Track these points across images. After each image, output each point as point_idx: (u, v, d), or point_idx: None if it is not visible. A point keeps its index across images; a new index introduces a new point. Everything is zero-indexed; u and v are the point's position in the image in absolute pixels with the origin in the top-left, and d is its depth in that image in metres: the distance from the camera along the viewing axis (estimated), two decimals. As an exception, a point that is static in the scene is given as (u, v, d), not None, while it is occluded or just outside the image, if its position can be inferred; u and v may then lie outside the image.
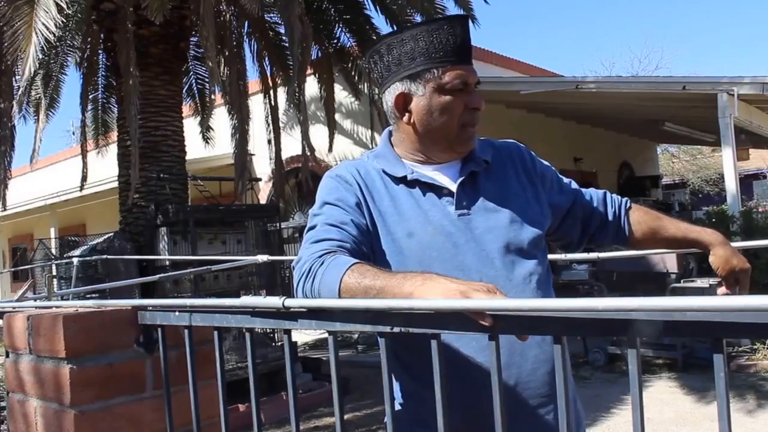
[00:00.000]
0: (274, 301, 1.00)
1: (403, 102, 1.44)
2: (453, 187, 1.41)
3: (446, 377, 0.90)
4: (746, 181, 18.92)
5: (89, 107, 8.85)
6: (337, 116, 9.05)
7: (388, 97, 1.46)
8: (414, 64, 1.40)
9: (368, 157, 1.51)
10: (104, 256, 5.76)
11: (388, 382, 0.95)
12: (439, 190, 1.42)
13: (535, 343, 1.32)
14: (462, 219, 1.38)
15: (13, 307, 1.61)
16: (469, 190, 1.42)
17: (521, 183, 1.48)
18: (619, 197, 1.66)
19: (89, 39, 8.02)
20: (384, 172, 1.44)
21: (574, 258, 2.57)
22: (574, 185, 1.62)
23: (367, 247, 1.36)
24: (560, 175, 1.61)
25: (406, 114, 1.44)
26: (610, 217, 1.61)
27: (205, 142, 9.14)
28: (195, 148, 8.67)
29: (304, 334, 9.35)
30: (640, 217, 1.61)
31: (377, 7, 8.06)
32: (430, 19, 1.62)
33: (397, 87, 1.43)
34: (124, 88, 6.37)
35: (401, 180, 1.43)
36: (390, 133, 1.53)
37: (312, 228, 1.38)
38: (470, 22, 1.47)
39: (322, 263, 1.24)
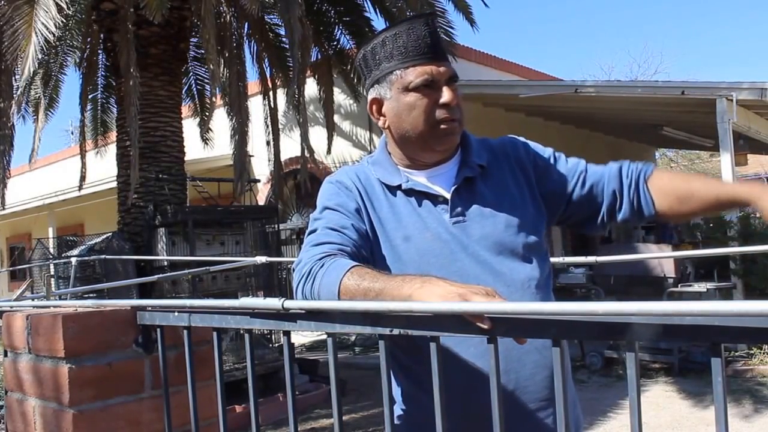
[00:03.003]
0: (274, 303, 1.01)
1: (377, 107, 1.45)
2: (447, 194, 1.41)
3: (444, 381, 0.90)
4: (744, 186, 18.93)
5: (88, 107, 8.86)
6: (336, 118, 9.06)
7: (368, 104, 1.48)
8: (380, 68, 1.41)
9: (367, 163, 1.51)
10: (102, 256, 5.76)
11: (387, 383, 0.95)
12: (435, 198, 1.41)
13: (534, 349, 1.32)
14: (457, 226, 1.38)
15: (12, 307, 1.61)
16: (465, 196, 1.41)
17: (518, 183, 1.45)
18: (639, 165, 1.47)
19: (89, 39, 8.03)
20: (380, 181, 1.45)
21: (572, 261, 2.57)
22: (581, 165, 1.50)
23: (367, 251, 1.37)
24: (560, 156, 1.51)
25: (381, 118, 1.45)
26: (626, 192, 1.45)
27: (204, 143, 9.15)
28: (194, 149, 8.67)
29: (301, 336, 9.35)
30: (665, 186, 1.42)
31: (376, 9, 8.08)
32: (394, 23, 1.59)
33: (370, 93, 1.45)
34: (124, 88, 6.37)
35: (398, 188, 1.43)
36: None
37: (312, 232, 1.39)
38: (436, 19, 1.45)
39: (322, 266, 1.25)
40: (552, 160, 1.50)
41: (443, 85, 1.38)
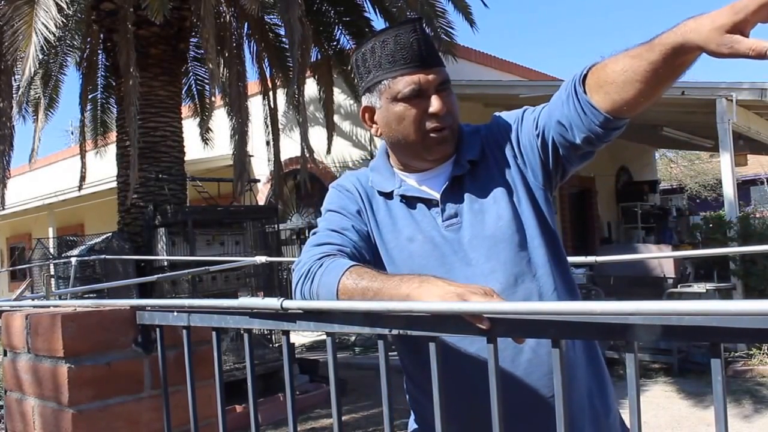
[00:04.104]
0: (273, 303, 1.01)
1: (369, 115, 1.45)
2: (438, 196, 1.40)
3: (444, 383, 0.90)
4: (744, 187, 18.96)
5: (88, 107, 8.86)
6: (335, 118, 9.06)
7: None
8: (370, 77, 1.40)
9: (369, 168, 1.52)
10: (102, 256, 5.76)
11: (387, 383, 0.95)
12: (428, 201, 1.41)
13: (529, 348, 1.32)
14: (450, 229, 1.37)
15: (11, 306, 1.61)
16: (457, 195, 1.40)
17: (503, 165, 1.41)
18: (574, 74, 1.27)
19: (89, 39, 8.04)
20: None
21: (572, 261, 2.57)
22: (536, 111, 1.39)
23: (368, 252, 1.38)
24: (525, 114, 1.41)
25: (374, 126, 1.45)
26: (568, 112, 1.27)
27: (204, 143, 9.15)
28: (194, 149, 8.67)
29: (300, 336, 9.35)
30: (599, 79, 1.20)
31: (376, 9, 8.08)
32: (382, 29, 1.52)
33: (363, 101, 1.45)
34: (123, 88, 6.37)
35: (392, 193, 1.43)
36: None
37: (314, 233, 1.40)
38: (423, 23, 1.41)
39: (321, 265, 1.26)
40: (518, 123, 1.41)
41: (432, 93, 1.36)
